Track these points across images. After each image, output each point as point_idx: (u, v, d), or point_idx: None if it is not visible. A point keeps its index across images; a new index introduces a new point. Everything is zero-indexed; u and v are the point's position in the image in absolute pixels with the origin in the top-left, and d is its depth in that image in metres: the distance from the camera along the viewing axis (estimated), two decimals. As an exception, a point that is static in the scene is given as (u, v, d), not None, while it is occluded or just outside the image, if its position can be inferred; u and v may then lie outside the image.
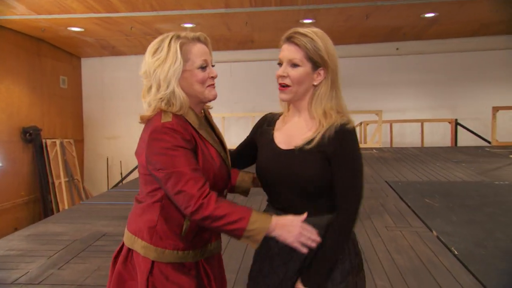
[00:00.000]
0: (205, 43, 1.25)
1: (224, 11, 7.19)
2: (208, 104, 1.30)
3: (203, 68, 1.20)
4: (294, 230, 1.09)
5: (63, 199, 9.21)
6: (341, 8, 7.19)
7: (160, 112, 1.19)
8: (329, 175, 1.17)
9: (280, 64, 1.22)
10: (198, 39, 1.23)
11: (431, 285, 2.47)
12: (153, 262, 1.20)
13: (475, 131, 9.06)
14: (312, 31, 1.21)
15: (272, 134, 1.27)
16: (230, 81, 10.36)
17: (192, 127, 1.19)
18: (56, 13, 7.20)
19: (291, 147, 1.21)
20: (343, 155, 1.15)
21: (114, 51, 10.48)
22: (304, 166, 1.17)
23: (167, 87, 1.17)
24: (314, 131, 1.19)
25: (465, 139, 9.09)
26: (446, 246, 3.07)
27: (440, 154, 7.29)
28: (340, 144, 1.15)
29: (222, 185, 1.27)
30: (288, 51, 1.19)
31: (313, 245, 1.11)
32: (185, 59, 1.18)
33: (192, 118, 1.20)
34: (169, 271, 1.20)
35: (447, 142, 9.20)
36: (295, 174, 1.17)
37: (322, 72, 1.20)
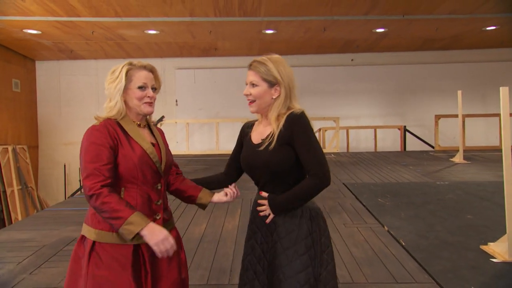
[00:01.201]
0: (151, 71, 1.61)
1: (189, 20, 7.34)
2: (149, 117, 1.68)
3: (141, 88, 1.56)
4: (158, 237, 1.39)
5: (16, 208, 8.77)
6: (301, 20, 7.63)
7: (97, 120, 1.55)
8: (291, 157, 1.51)
9: (247, 85, 1.62)
10: (144, 67, 1.59)
11: (382, 272, 2.82)
12: (94, 241, 1.46)
13: (421, 137, 9.91)
14: (267, 58, 1.59)
15: (250, 134, 1.68)
16: (193, 87, 10.48)
17: (122, 128, 1.53)
18: (12, 15, 6.96)
19: (259, 141, 1.60)
20: (299, 134, 1.49)
21: (72, 55, 10.20)
22: (267, 154, 1.53)
23: (112, 99, 1.55)
24: (271, 129, 1.58)
25: (413, 144, 9.91)
26: (395, 239, 3.47)
27: (390, 158, 7.93)
28: (294, 126, 1.50)
29: (150, 177, 1.53)
30: (249, 75, 1.60)
31: (170, 254, 1.42)
32: (129, 80, 1.55)
33: (124, 122, 1.55)
34: (107, 250, 1.45)
35: (397, 147, 9.97)
36: (261, 160, 1.56)
37: (278, 88, 1.58)
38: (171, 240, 1.41)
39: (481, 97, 10.37)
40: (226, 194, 1.71)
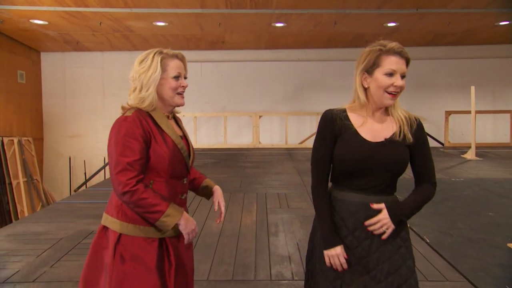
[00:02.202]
0: (181, 60, 1.54)
1: (199, 11, 7.23)
2: (177, 109, 1.61)
3: (176, 78, 1.49)
4: (191, 226, 1.45)
5: (22, 200, 8.71)
6: (312, 13, 7.51)
7: (127, 110, 1.47)
8: (408, 159, 1.43)
9: (391, 74, 1.36)
10: (176, 56, 1.53)
11: (411, 269, 2.76)
12: (120, 234, 1.42)
13: (428, 132, 9.84)
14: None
15: (355, 129, 1.41)
16: (200, 81, 10.37)
17: (154, 120, 1.46)
18: (21, 4, 6.84)
19: (379, 139, 1.40)
20: (423, 142, 1.44)
21: (78, 47, 10.08)
22: (396, 153, 1.39)
23: (147, 90, 1.46)
24: (394, 126, 1.42)
25: (421, 140, 9.83)
26: (418, 235, 3.41)
27: (401, 154, 7.85)
28: (422, 134, 1.45)
29: (179, 172, 1.50)
30: (401, 64, 1.37)
31: (188, 242, 1.45)
32: (163, 69, 1.48)
33: (156, 114, 1.48)
34: (133, 242, 1.42)
35: (405, 143, 9.89)
36: (388, 162, 1.38)
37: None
38: (197, 229, 1.50)
39: (490, 93, 10.28)
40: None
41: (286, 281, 2.62)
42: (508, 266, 2.78)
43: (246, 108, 10.39)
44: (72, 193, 9.78)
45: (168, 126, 1.50)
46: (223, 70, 10.56)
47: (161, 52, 1.50)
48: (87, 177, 9.83)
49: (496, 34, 9.32)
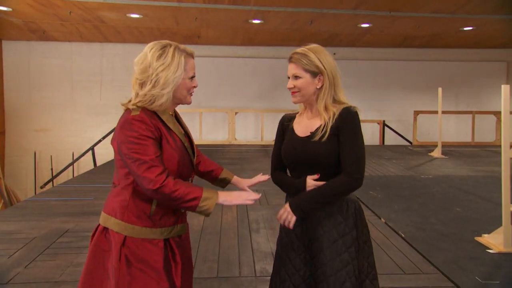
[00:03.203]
0: (193, 59, 1.49)
1: (176, 5, 7.09)
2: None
3: (191, 78, 1.46)
4: (238, 195, 1.41)
5: (-19, 197, 8.21)
6: (290, 12, 7.57)
7: (129, 109, 1.39)
8: (330, 153, 1.48)
9: (289, 78, 1.58)
10: (191, 56, 1.46)
11: (390, 263, 2.88)
12: (125, 236, 1.37)
13: (399, 132, 10.23)
14: (307, 49, 1.54)
15: (292, 127, 1.62)
16: (174, 75, 10.19)
17: (161, 120, 1.40)
18: (-17, -11, 6.42)
19: (307, 134, 1.54)
20: (347, 130, 1.46)
21: (44, 36, 9.60)
22: (317, 146, 1.49)
23: (164, 88, 1.37)
24: (320, 121, 1.53)
25: (390, 138, 10.22)
26: (394, 230, 3.56)
27: (373, 152, 8.12)
28: (344, 122, 1.47)
29: (186, 171, 1.47)
30: (291, 69, 1.55)
31: (252, 202, 1.42)
32: (183, 69, 1.40)
33: (163, 113, 1.42)
34: (138, 244, 1.38)
35: (375, 141, 10.23)
36: (311, 154, 1.50)
37: (321, 77, 1.53)
38: (243, 192, 1.44)
39: (454, 95, 10.83)
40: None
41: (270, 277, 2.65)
42: (477, 258, 2.96)
43: (221, 104, 10.33)
44: (37, 190, 9.34)
45: (175, 125, 1.46)
46: (198, 65, 10.16)
47: (180, 49, 1.41)
48: (54, 173, 9.42)
49: (461, 39, 9.82)
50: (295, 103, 1.59)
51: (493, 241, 3.17)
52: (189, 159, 1.48)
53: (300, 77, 1.52)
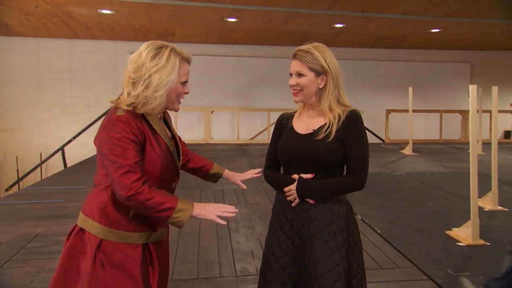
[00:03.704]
0: (189, 64, 1.44)
1: (149, 1, 6.93)
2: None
3: (183, 83, 1.40)
4: (213, 208, 1.36)
5: None
6: (265, 10, 7.59)
7: (116, 108, 1.34)
8: (341, 152, 1.48)
9: (291, 75, 1.54)
10: (187, 61, 1.41)
11: (366, 258, 2.91)
12: (101, 239, 1.33)
13: (371, 130, 10.49)
14: (312, 46, 1.51)
15: (292, 125, 1.59)
16: (148, 73, 9.97)
17: (147, 122, 1.36)
18: None
19: (309, 131, 1.52)
20: (354, 134, 1.47)
21: (8, 31, 9.13)
22: (319, 145, 1.47)
23: (156, 91, 1.32)
24: (324, 121, 1.52)
25: (363, 137, 10.44)
26: (370, 227, 3.65)
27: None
28: (351, 126, 1.48)
29: (170, 176, 1.43)
30: (294, 65, 1.52)
31: (231, 215, 1.38)
32: (177, 73, 1.36)
33: (150, 116, 1.37)
34: (115, 248, 1.33)
35: (349, 139, 10.43)
36: (312, 151, 1.48)
37: (324, 77, 1.51)
38: (220, 205, 1.39)
39: (422, 94, 11.22)
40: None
41: (251, 277, 2.65)
42: (448, 251, 3.09)
43: (196, 103, 10.21)
44: (2, 194, 8.87)
45: (161, 128, 1.41)
46: (172, 63, 10.23)
47: (176, 52, 1.36)
48: (20, 175, 8.99)
49: (428, 40, 10.19)
50: (296, 102, 1.56)
51: (462, 234, 3.31)
52: (173, 163, 1.44)
53: (304, 75, 1.49)
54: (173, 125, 1.54)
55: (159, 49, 1.34)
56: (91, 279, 1.31)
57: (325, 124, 1.49)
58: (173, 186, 1.48)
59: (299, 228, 1.52)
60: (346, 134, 1.47)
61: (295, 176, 1.51)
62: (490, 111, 4.23)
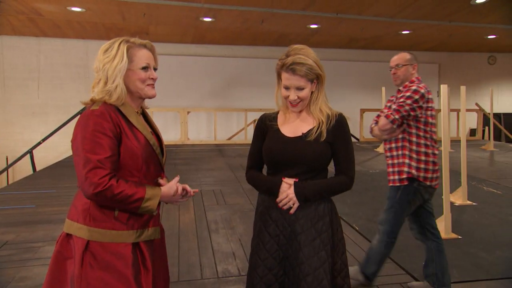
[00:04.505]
0: (150, 50, 1.44)
1: (122, -1, 6.76)
2: (146, 104, 1.54)
3: (144, 69, 1.40)
4: (173, 196, 1.40)
5: None
6: (241, 10, 7.58)
7: (92, 103, 1.36)
8: (328, 155, 1.50)
9: (287, 88, 1.51)
10: (144, 46, 1.42)
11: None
12: (88, 241, 1.30)
13: (346, 129, 10.72)
14: (304, 56, 1.48)
15: (277, 127, 1.57)
16: (121, 73, 9.73)
17: (123, 115, 1.36)
18: None
19: (298, 134, 1.52)
20: (342, 138, 1.52)
21: (-31, 28, 8.66)
22: (310, 148, 1.48)
23: (113, 81, 1.34)
24: (314, 123, 1.53)
25: (338, 136, 10.66)
26: (348, 224, 3.72)
27: (323, 148, 8.41)
28: (340, 130, 1.52)
29: (153, 172, 1.41)
30: (292, 80, 1.48)
31: (185, 199, 1.46)
32: (130, 60, 1.37)
33: (125, 109, 1.37)
34: (104, 249, 1.30)
35: (324, 138, 10.62)
36: (302, 154, 1.48)
37: (316, 81, 1.53)
38: (180, 188, 1.42)
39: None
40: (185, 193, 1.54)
41: (233, 278, 2.64)
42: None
43: (172, 103, 10.07)
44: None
45: (139, 122, 1.39)
46: (146, 63, 10.04)
47: (127, 41, 1.38)
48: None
49: (399, 41, 10.52)
50: (296, 112, 1.54)
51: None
52: (155, 157, 1.42)
53: (303, 88, 1.48)
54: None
55: (111, 43, 1.38)
56: (80, 282, 1.27)
57: (315, 126, 1.50)
58: (156, 181, 1.45)
59: (285, 227, 1.52)
60: (334, 137, 1.50)
61: (288, 180, 1.48)
62: (457, 110, 4.42)
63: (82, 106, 1.42)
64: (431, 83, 11.97)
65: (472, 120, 11.30)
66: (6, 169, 8.17)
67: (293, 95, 1.49)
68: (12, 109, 9.51)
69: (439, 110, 10.31)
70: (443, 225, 3.36)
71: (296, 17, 8.00)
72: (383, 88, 7.92)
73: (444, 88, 3.38)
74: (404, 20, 8.36)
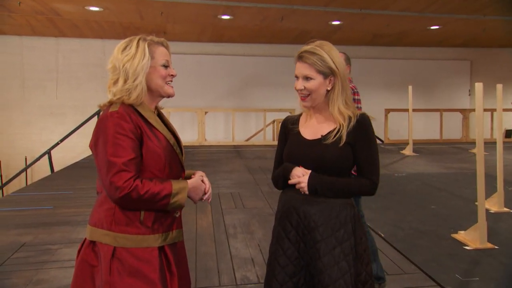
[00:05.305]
0: (167, 48, 1.46)
1: (140, -2, 6.87)
2: (160, 105, 1.53)
3: (165, 66, 1.42)
4: (199, 191, 1.43)
5: None
6: (260, 7, 7.56)
7: (109, 105, 1.36)
8: (349, 158, 1.46)
9: (297, 77, 1.50)
10: (161, 44, 1.44)
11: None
12: (114, 247, 1.30)
13: (369, 130, 10.53)
14: (318, 46, 1.47)
15: (298, 130, 1.56)
16: (138, 73, 9.89)
17: (141, 116, 1.36)
18: None
19: (317, 137, 1.50)
20: (365, 138, 1.46)
21: (-9, 29, 9.00)
22: (328, 150, 1.45)
23: (135, 79, 1.34)
24: (334, 124, 1.50)
25: (361, 137, 10.48)
26: (373, 230, 3.63)
27: (345, 150, 8.29)
28: (362, 130, 1.46)
29: (175, 172, 1.41)
30: (300, 68, 1.48)
31: (206, 197, 1.46)
32: (152, 56, 1.38)
33: (143, 109, 1.38)
34: (130, 255, 1.30)
35: (347, 139, 10.46)
36: (321, 157, 1.46)
37: (332, 78, 1.49)
38: (205, 186, 1.45)
39: (421, 93, 11.28)
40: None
41: (252, 285, 2.62)
42: (454, 255, 3.08)
43: (189, 103, 10.15)
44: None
45: (157, 121, 1.40)
46: (163, 62, 10.17)
47: (145, 39, 1.39)
48: (4, 181, 8.84)
49: (427, 37, 10.26)
50: (305, 107, 1.53)
51: (469, 238, 3.31)
52: (176, 157, 1.42)
53: (312, 79, 1.45)
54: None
55: (128, 41, 1.39)
56: None
57: (335, 128, 1.47)
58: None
59: (304, 235, 1.49)
60: (356, 139, 1.45)
61: (300, 169, 1.48)
62: (491, 110, 4.25)
63: (98, 107, 1.42)
64: (462, 81, 11.62)
65: (508, 121, 10.89)
66: (25, 169, 8.43)
67: (299, 84, 1.47)
68: (30, 110, 9.81)
69: (473, 110, 10.02)
70: (478, 234, 3.23)
71: (317, 13, 7.92)
72: (410, 87, 7.73)
73: (479, 86, 3.25)
74: (433, 14, 8.14)
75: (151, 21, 8.41)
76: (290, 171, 1.49)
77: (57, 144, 8.32)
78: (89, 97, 9.85)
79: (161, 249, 1.36)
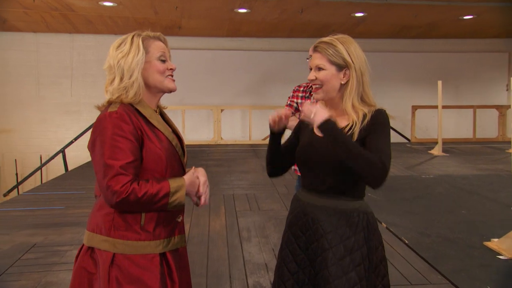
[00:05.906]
0: (164, 42, 1.45)
1: (154, -8, 6.93)
2: (162, 103, 1.52)
3: (162, 60, 1.40)
4: (195, 184, 1.39)
5: None
6: (278, 0, 7.50)
7: (108, 105, 1.35)
8: None
9: (311, 69, 1.52)
10: (158, 38, 1.43)
11: (394, 273, 2.83)
12: (114, 254, 1.29)
13: (396, 128, 10.29)
14: (335, 38, 1.47)
15: (313, 128, 1.51)
16: (153, 69, 10.01)
17: (141, 115, 1.35)
18: None
19: None
20: (375, 130, 1.40)
21: (6, 26, 9.28)
22: None
23: (131, 76, 1.34)
24: (347, 121, 1.47)
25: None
26: (397, 237, 3.53)
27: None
28: (374, 123, 1.42)
29: (176, 173, 1.40)
30: (314, 58, 1.49)
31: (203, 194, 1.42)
32: (146, 51, 1.37)
33: (143, 108, 1.37)
34: (130, 262, 1.29)
35: (371, 138, 10.26)
36: (329, 153, 1.43)
37: (347, 72, 1.46)
38: (196, 178, 1.41)
39: (453, 88, 10.93)
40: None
41: (265, 292, 2.58)
42: (487, 265, 2.95)
43: (205, 100, 10.20)
44: (0, 199, 9.04)
45: (159, 121, 1.39)
46: (179, 58, 10.15)
47: (140, 34, 1.40)
48: (19, 179, 9.13)
49: (459, 28, 9.93)
50: (318, 99, 1.53)
51: (504, 246, 3.16)
52: (178, 159, 1.41)
53: (323, 69, 1.46)
54: (180, 124, 1.51)
55: (123, 39, 1.40)
56: None
57: (347, 125, 1.44)
58: None
59: (312, 242, 1.46)
60: (367, 132, 1.41)
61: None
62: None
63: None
64: (499, 74, 11.17)
65: (547, 118, 10.43)
66: (40, 168, 8.68)
67: (311, 74, 1.48)
68: (46, 107, 10.08)
69: (509, 107, 9.62)
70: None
71: (339, 4, 7.79)
72: (440, 82, 7.50)
73: (514, 81, 3.09)
74: (465, 3, 7.86)
75: (165, 16, 8.48)
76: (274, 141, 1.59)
77: (71, 142, 8.53)
78: (104, 95, 10.03)
79: (162, 255, 1.34)
